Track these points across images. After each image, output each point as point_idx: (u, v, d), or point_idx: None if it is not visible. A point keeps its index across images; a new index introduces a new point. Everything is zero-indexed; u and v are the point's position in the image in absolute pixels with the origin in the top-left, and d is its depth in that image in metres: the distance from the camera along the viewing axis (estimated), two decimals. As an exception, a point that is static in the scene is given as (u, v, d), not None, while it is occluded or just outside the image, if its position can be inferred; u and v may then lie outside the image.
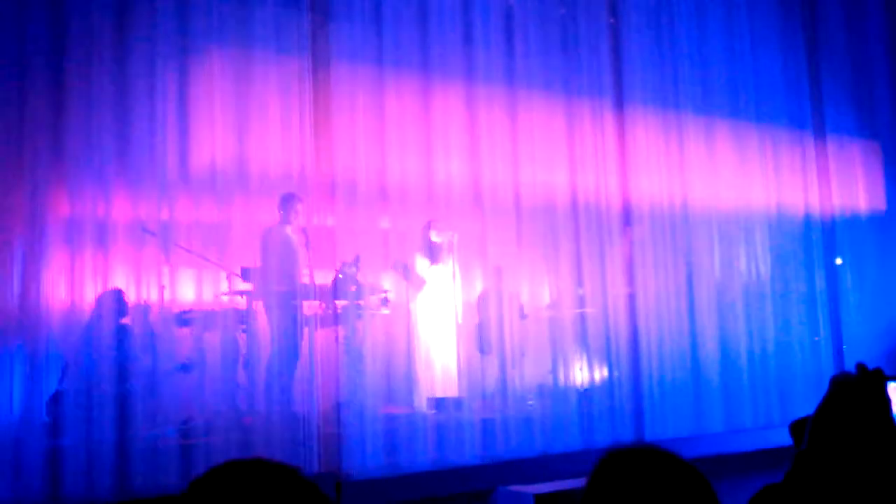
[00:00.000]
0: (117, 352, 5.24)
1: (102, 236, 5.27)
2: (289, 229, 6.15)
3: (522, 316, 6.79)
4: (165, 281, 5.47)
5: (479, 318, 6.74)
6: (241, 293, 5.84)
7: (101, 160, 5.27)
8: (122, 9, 5.36)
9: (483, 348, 6.64)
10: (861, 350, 8.05)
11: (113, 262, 5.35)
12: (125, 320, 5.39)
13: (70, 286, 5.16)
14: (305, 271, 6.04)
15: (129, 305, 5.41)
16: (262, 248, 5.91)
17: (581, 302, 6.94)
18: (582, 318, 6.89)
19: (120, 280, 5.40)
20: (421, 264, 6.74)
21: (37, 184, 5.09)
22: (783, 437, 2.36)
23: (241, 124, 5.69)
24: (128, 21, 5.37)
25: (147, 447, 5.07)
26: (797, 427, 2.11)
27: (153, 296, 5.44)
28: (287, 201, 6.11)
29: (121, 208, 5.37)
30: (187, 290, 5.65)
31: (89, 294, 5.29)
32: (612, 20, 7.32)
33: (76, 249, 5.21)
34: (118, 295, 5.38)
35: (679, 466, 1.44)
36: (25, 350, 5.02)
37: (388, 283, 6.62)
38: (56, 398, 5.07)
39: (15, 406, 4.92)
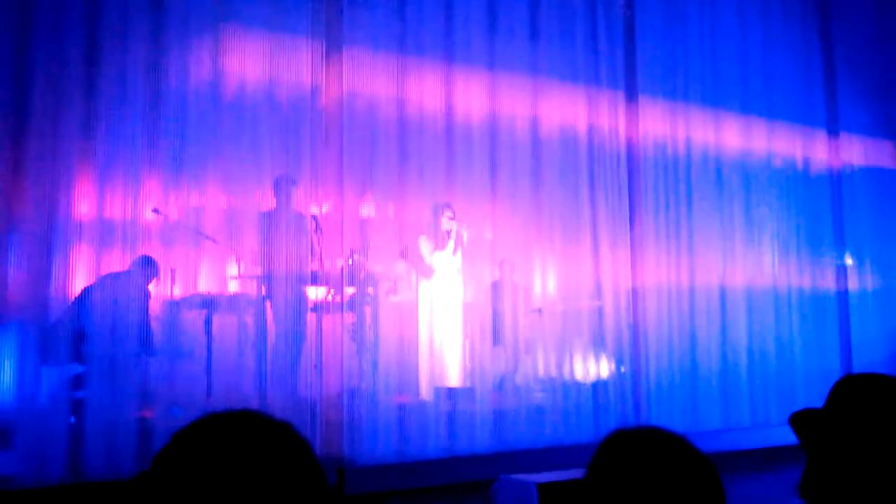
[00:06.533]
0: (136, 333, 5.28)
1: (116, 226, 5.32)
2: (288, 213, 5.98)
3: (533, 309, 6.81)
4: (176, 264, 5.52)
5: (490, 309, 6.73)
6: (252, 277, 5.86)
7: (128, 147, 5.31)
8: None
9: (492, 339, 6.63)
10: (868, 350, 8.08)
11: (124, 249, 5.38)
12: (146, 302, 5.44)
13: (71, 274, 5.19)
14: (313, 257, 6.04)
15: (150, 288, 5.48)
16: (259, 232, 5.89)
17: (591, 295, 6.96)
18: (593, 313, 6.92)
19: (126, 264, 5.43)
20: (427, 250, 6.72)
21: (44, 171, 5.10)
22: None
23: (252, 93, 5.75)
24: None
25: (157, 428, 5.12)
26: (799, 419, 2.08)
27: (165, 279, 5.50)
28: (279, 184, 5.97)
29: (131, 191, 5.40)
30: (198, 273, 5.67)
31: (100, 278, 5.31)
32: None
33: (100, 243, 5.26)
34: (144, 277, 5.45)
35: (683, 449, 1.44)
36: (40, 331, 5.07)
37: (398, 270, 6.61)
38: (77, 379, 5.13)
39: (32, 386, 4.98)
